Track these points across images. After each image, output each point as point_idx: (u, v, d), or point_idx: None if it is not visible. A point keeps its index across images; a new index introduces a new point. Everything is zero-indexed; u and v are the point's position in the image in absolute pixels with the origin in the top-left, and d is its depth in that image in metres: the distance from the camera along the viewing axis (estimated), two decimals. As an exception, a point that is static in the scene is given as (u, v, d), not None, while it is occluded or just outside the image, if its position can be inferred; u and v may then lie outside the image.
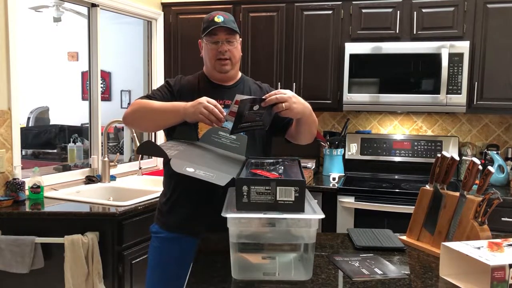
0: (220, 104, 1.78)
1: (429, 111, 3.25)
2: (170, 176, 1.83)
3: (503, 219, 2.75)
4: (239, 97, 1.57)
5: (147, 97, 1.80)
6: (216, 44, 1.77)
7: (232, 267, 1.28)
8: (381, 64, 3.18)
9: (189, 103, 1.61)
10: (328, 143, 3.50)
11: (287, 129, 1.86)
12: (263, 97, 1.56)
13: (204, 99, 1.59)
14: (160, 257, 1.85)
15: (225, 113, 1.58)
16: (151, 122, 1.75)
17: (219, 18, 1.76)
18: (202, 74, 1.90)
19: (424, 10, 3.15)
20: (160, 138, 3.84)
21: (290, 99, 1.58)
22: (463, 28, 3.09)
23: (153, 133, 3.90)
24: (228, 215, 1.23)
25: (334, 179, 3.23)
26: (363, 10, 3.26)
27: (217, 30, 1.76)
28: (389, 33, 3.22)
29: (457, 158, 1.59)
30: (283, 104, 1.56)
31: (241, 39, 1.86)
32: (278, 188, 1.25)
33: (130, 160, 4.27)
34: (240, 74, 1.92)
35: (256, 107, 1.56)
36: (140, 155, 3.59)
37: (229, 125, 1.76)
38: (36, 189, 2.58)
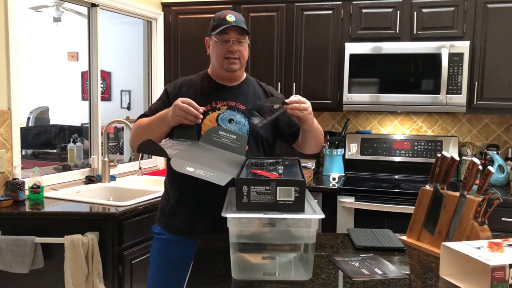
0: (224, 105, 1.78)
1: (429, 111, 3.25)
2: (173, 176, 1.83)
3: (503, 219, 2.75)
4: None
5: (143, 115, 1.87)
6: (226, 43, 1.76)
7: (232, 267, 1.28)
8: (381, 64, 3.18)
9: (170, 109, 1.67)
10: (328, 143, 3.50)
11: (295, 138, 1.87)
12: (286, 101, 1.60)
13: (178, 101, 1.64)
14: (161, 259, 1.85)
15: (201, 109, 1.64)
16: (148, 137, 1.78)
17: (231, 18, 1.76)
18: (206, 74, 1.90)
19: (424, 10, 3.15)
20: (160, 138, 3.83)
21: (307, 109, 1.64)
22: (463, 28, 3.09)
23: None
24: (228, 215, 1.23)
25: (334, 179, 3.23)
26: (363, 10, 3.26)
27: (228, 29, 1.75)
28: (389, 33, 3.22)
29: (457, 158, 1.59)
30: (302, 112, 1.61)
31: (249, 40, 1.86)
32: (278, 188, 1.25)
33: (130, 160, 4.27)
34: (245, 74, 1.92)
35: (276, 106, 1.58)
36: (140, 155, 3.59)
37: (232, 127, 1.77)
38: (36, 189, 2.58)
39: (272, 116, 1.63)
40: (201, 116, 1.65)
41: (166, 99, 1.84)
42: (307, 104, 1.64)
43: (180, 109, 1.62)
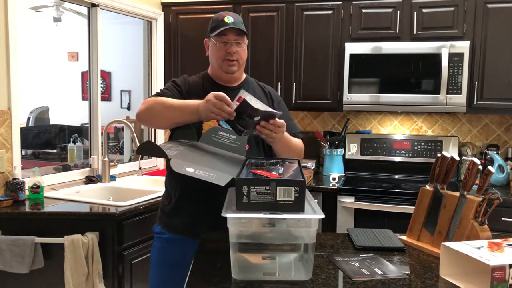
0: None
1: (429, 111, 3.25)
2: (173, 177, 1.83)
3: (503, 219, 2.75)
4: (243, 93, 1.58)
5: (158, 95, 1.80)
6: (225, 45, 1.77)
7: (232, 267, 1.28)
8: (381, 64, 3.18)
9: (201, 103, 1.61)
10: (328, 143, 3.50)
11: None
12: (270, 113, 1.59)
13: (211, 96, 1.58)
14: (162, 258, 1.85)
15: (234, 105, 1.57)
16: (167, 119, 1.74)
17: (229, 19, 1.76)
18: (206, 74, 1.90)
19: (424, 10, 3.15)
20: (160, 138, 3.84)
21: (280, 130, 1.62)
22: (463, 28, 3.09)
23: (153, 133, 3.90)
24: (228, 215, 1.23)
25: (334, 179, 3.23)
26: (363, 10, 3.26)
27: (227, 31, 1.75)
28: (389, 33, 3.22)
29: (457, 158, 1.59)
30: (272, 133, 1.60)
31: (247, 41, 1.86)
32: (278, 188, 1.25)
33: (130, 160, 4.27)
34: (244, 75, 1.92)
35: (256, 118, 1.57)
36: (140, 155, 3.59)
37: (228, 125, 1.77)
38: (36, 189, 2.58)
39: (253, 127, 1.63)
40: (235, 113, 1.58)
41: (180, 91, 1.82)
42: (277, 133, 1.61)
43: (214, 105, 1.56)
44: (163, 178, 1.95)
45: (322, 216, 1.22)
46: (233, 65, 1.79)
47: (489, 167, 1.47)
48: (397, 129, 3.63)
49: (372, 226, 1.90)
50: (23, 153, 4.42)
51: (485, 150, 3.28)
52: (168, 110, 1.70)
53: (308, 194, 1.36)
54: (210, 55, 1.85)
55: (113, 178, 3.19)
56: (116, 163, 3.25)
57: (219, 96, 1.57)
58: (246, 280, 1.27)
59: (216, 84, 1.86)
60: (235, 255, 1.27)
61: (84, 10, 3.51)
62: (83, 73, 5.70)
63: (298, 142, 1.86)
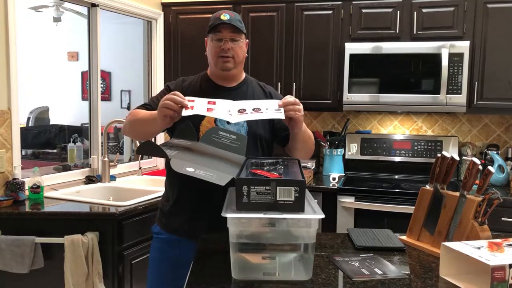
0: None
1: (429, 111, 3.25)
2: (172, 177, 1.83)
3: (503, 219, 2.75)
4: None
5: (143, 106, 1.84)
6: (219, 42, 1.77)
7: (232, 267, 1.28)
8: (381, 64, 3.18)
9: None
10: (328, 143, 3.50)
11: (287, 142, 1.85)
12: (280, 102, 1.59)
13: (165, 97, 1.56)
14: (161, 258, 1.85)
15: (186, 102, 1.53)
16: (140, 131, 1.80)
17: (225, 16, 1.76)
18: (205, 75, 1.90)
19: (424, 10, 3.15)
20: (160, 138, 3.84)
21: (301, 111, 1.61)
22: (463, 28, 3.09)
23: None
24: (228, 215, 1.23)
25: (334, 179, 3.23)
26: (363, 10, 3.26)
27: (221, 28, 1.75)
28: (389, 33, 3.22)
29: (457, 158, 1.59)
30: (296, 113, 1.59)
31: (247, 40, 1.85)
32: (278, 188, 1.25)
33: (130, 160, 4.27)
34: (244, 75, 1.92)
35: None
36: (140, 155, 3.59)
37: (231, 127, 1.77)
38: (36, 189, 2.58)
39: None
40: (187, 103, 1.54)
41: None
42: (301, 106, 1.62)
43: (164, 99, 1.54)
44: (163, 178, 1.95)
45: (322, 216, 1.22)
46: (227, 61, 1.78)
47: (489, 167, 1.47)
48: (397, 129, 3.63)
49: (372, 226, 1.90)
50: (23, 153, 4.42)
51: (485, 150, 3.28)
52: (139, 122, 1.76)
53: (308, 194, 1.36)
54: (208, 53, 1.84)
55: (113, 178, 3.19)
56: (116, 163, 3.25)
57: (169, 95, 1.54)
58: (246, 280, 1.27)
59: (214, 84, 1.85)
60: (235, 255, 1.27)
61: (84, 10, 3.51)
62: (83, 73, 5.70)
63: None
